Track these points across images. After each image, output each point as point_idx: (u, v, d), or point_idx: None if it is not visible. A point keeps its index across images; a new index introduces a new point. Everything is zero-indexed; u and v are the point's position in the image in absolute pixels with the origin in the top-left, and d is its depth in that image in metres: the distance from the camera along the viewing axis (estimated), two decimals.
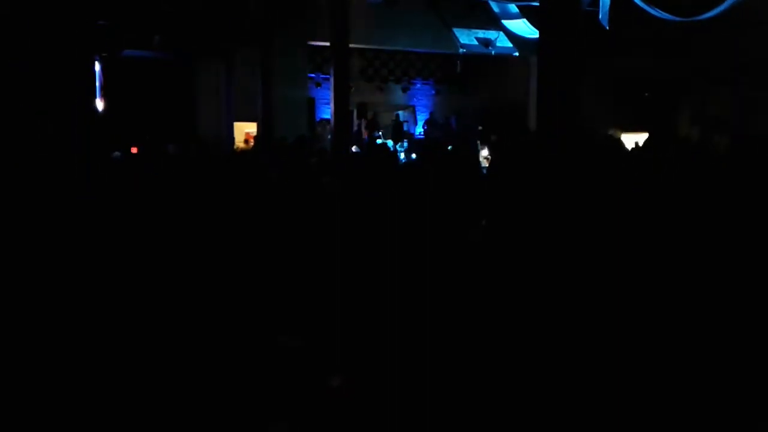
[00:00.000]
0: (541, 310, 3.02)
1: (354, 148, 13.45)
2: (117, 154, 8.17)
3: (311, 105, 16.39)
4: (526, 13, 13.67)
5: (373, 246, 3.59)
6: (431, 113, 18.40)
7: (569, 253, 3.17)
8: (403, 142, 16.35)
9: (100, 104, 11.59)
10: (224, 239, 4.14)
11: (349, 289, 3.50)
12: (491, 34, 15.25)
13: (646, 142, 5.04)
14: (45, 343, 3.17)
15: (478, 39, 15.16)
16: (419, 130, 18.29)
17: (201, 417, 2.81)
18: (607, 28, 10.74)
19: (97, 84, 11.45)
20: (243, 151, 10.33)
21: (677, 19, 10.09)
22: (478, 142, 13.44)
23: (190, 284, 3.75)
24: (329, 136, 13.19)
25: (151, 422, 2.78)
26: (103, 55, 11.93)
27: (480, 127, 17.03)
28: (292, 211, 4.43)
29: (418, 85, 18.99)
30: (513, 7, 13.81)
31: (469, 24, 14.83)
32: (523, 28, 14.02)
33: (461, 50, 15.59)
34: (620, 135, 10.95)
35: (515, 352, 2.91)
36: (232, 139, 14.44)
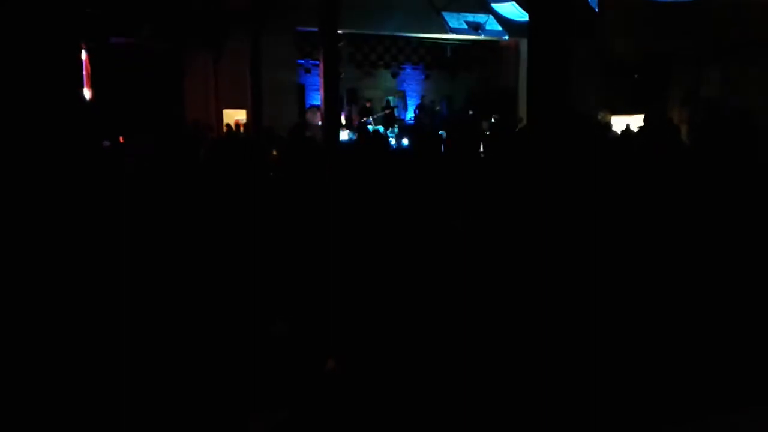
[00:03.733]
0: (529, 297, 3.03)
1: (347, 134, 13.38)
2: (106, 143, 8.11)
3: (301, 91, 16.29)
4: None
5: (367, 233, 3.59)
6: (422, 98, 18.33)
7: (559, 242, 3.18)
8: (393, 127, 16.29)
9: (87, 93, 11.47)
10: (220, 230, 4.13)
11: (342, 276, 3.50)
12: (480, 18, 15.17)
13: (642, 129, 5.03)
14: (37, 325, 3.16)
15: (467, 23, 15.08)
16: (410, 115, 18.23)
17: (197, 405, 2.81)
18: (597, 10, 10.72)
19: (84, 72, 11.32)
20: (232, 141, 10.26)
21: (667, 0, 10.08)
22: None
23: (186, 273, 3.74)
24: (319, 123, 13.14)
25: (149, 408, 2.78)
26: (90, 43, 11.78)
27: (471, 112, 17.00)
28: (287, 200, 4.42)
29: (408, 70, 18.89)
30: None
31: (458, 7, 14.74)
32: (513, 11, 13.96)
33: (451, 34, 15.51)
34: (610, 117, 10.96)
35: (509, 341, 2.93)
36: (221, 126, 14.40)
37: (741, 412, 2.33)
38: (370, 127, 15.03)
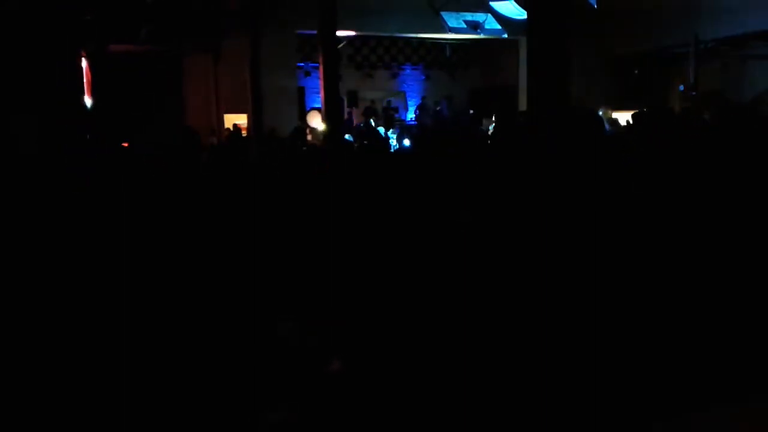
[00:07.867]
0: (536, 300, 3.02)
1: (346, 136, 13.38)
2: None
3: (301, 94, 16.31)
4: None
5: (369, 235, 3.59)
6: (422, 98, 18.34)
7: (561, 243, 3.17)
8: (394, 128, 16.29)
9: (88, 100, 11.50)
10: (223, 231, 4.13)
11: (348, 275, 3.50)
12: (479, 17, 15.16)
13: (637, 119, 5.00)
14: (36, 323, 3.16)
15: (466, 22, 15.07)
16: (410, 116, 18.24)
17: (203, 404, 2.81)
18: (596, 6, 10.72)
19: (85, 80, 11.36)
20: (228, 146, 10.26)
21: None
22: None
23: (193, 274, 3.75)
24: (320, 125, 13.15)
25: (156, 408, 2.79)
26: (90, 50, 11.82)
27: (471, 111, 17.00)
28: (289, 200, 4.42)
29: (408, 71, 18.90)
30: None
31: (457, 7, 14.75)
32: (511, 9, 13.96)
33: (450, 34, 15.51)
34: (611, 113, 10.93)
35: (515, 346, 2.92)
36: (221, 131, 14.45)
37: (726, 407, 2.32)
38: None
